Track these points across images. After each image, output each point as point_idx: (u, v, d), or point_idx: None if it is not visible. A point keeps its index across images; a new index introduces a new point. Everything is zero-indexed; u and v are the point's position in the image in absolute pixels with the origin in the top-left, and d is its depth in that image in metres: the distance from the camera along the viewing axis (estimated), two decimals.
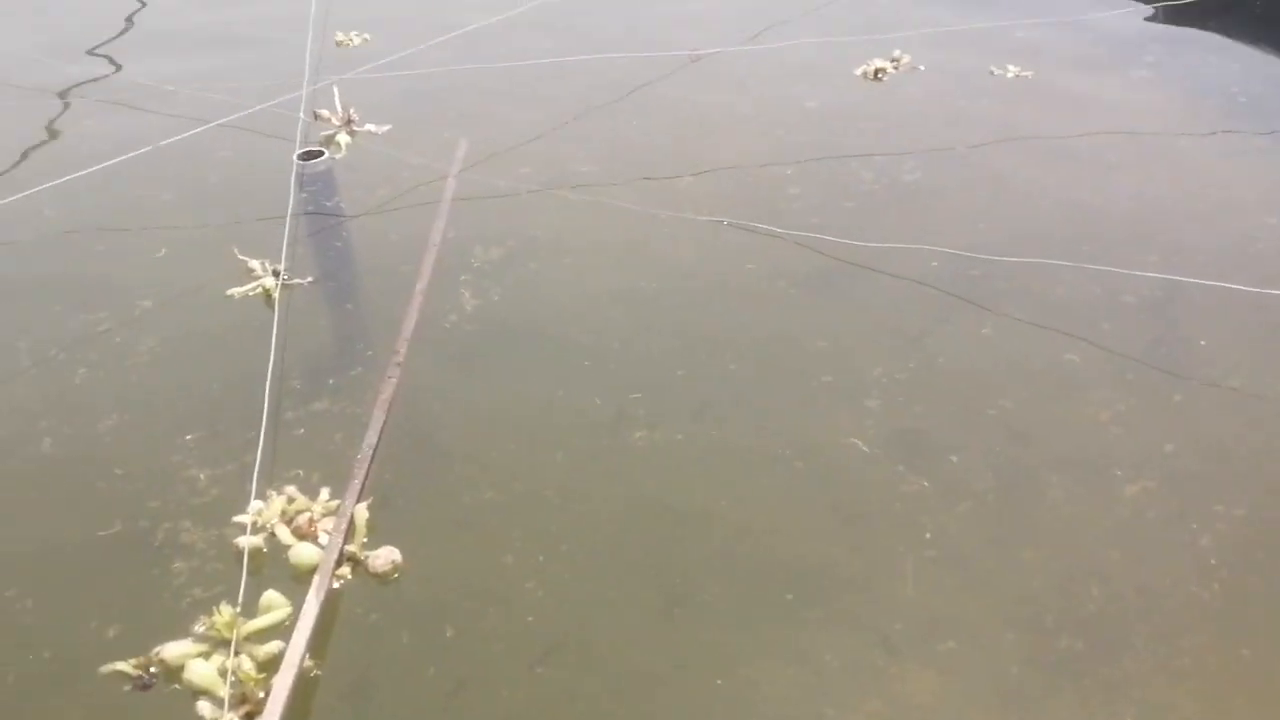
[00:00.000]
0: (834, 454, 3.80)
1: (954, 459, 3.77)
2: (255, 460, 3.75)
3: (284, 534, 3.58)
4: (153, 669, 3.12)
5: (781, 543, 3.47)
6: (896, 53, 7.04)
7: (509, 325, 4.50)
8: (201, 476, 3.73)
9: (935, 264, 4.77)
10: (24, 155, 6.03)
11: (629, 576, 3.37)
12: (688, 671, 3.08)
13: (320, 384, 4.16)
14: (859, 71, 6.88)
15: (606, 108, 6.42)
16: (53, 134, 6.33)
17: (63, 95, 6.82)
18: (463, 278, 4.77)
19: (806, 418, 3.97)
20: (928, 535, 3.47)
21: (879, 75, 6.87)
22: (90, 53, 7.53)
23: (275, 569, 3.44)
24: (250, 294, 4.69)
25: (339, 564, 3.45)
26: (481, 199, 5.42)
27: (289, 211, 5.19)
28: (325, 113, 6.18)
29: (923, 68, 6.94)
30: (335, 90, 6.30)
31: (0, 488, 3.75)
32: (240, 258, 4.83)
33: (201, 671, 3.12)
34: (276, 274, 4.74)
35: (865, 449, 3.81)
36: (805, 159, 5.75)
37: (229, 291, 4.68)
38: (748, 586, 3.32)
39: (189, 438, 3.88)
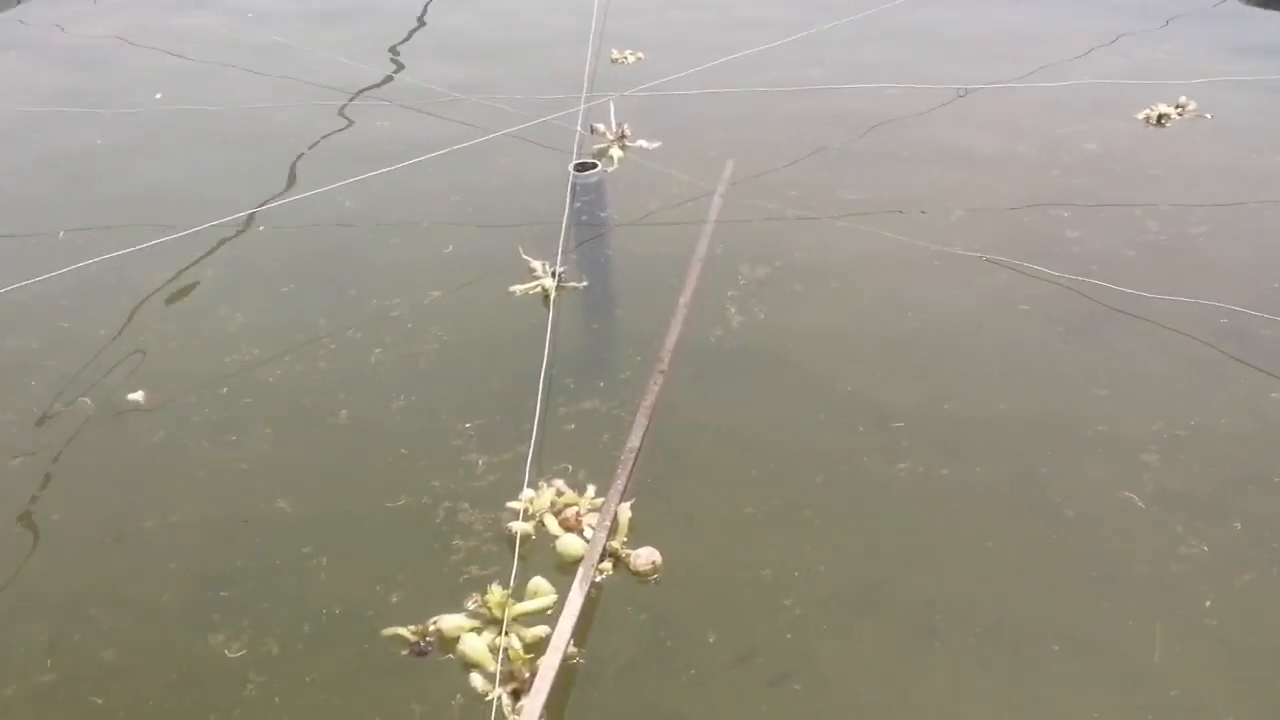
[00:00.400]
0: (1105, 506, 3.66)
1: (1237, 525, 3.57)
2: (529, 451, 3.94)
3: (552, 524, 3.75)
4: (429, 638, 3.33)
5: (1041, 592, 3.37)
6: (1182, 99, 6.71)
7: (772, 343, 4.55)
8: (479, 462, 3.95)
9: (1224, 321, 4.52)
10: (328, 151, 6.55)
11: (878, 607, 3.35)
12: (914, 710, 3.04)
13: (590, 384, 4.33)
14: (1141, 115, 6.60)
15: (875, 136, 6.40)
16: (353, 133, 6.84)
17: (360, 97, 7.36)
18: (729, 293, 4.87)
19: (1078, 465, 3.84)
20: (1207, 604, 3.29)
21: (1162, 121, 6.56)
22: (388, 58, 8.09)
23: (542, 556, 3.61)
24: (530, 292, 4.94)
25: (602, 559, 3.58)
26: (748, 219, 5.51)
27: (564, 219, 5.43)
28: (600, 127, 6.43)
29: (1209, 116, 6.58)
30: (611, 106, 6.54)
31: (302, 451, 4.09)
32: (524, 257, 5.10)
33: (475, 646, 3.30)
34: (555, 276, 4.98)
35: (1140, 504, 3.66)
36: (1085, 202, 5.56)
37: (511, 288, 4.95)
38: (992, 631, 3.25)
39: (468, 425, 4.11)
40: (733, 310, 4.75)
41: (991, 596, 3.36)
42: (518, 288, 4.97)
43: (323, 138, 6.72)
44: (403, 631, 3.33)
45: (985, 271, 4.97)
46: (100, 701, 3.15)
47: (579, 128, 6.44)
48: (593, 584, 3.48)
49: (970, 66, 7.42)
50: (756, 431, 4.09)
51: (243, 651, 3.26)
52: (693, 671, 3.16)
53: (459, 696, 3.13)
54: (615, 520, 3.71)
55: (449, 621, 3.37)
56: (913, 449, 3.93)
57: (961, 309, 4.73)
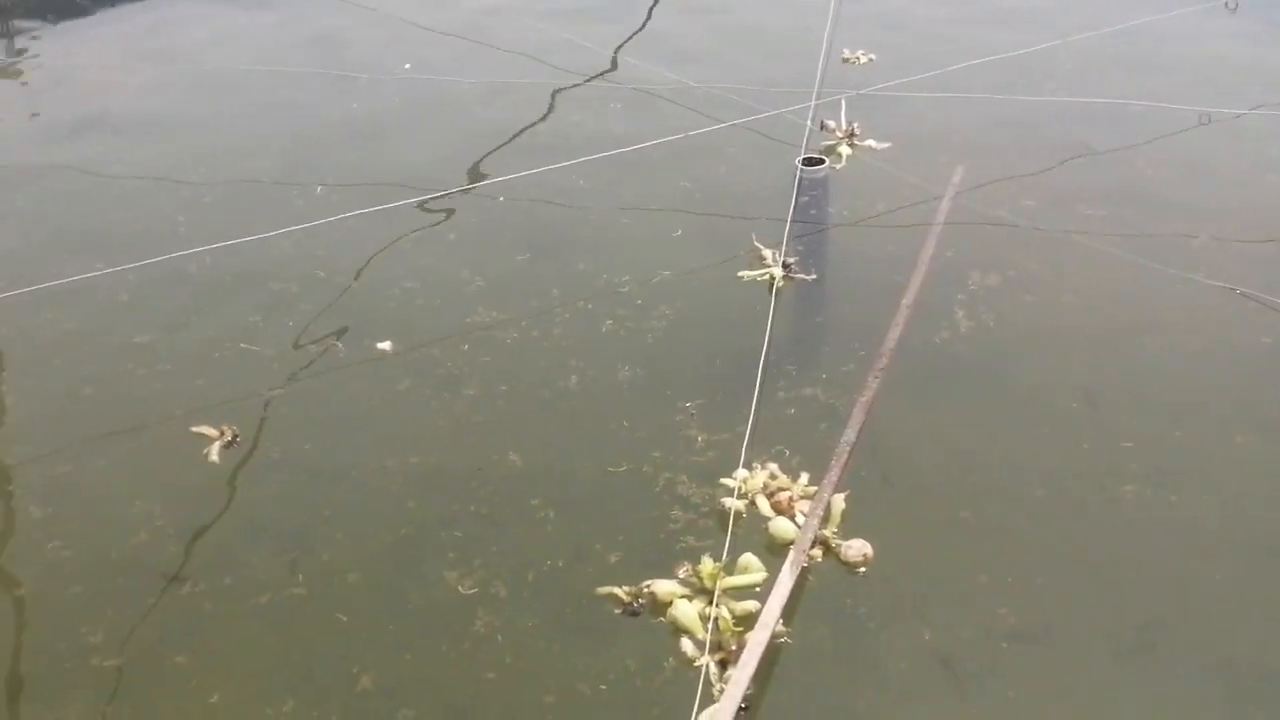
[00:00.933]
0: None
1: None
2: (745, 432, 4.04)
3: (764, 505, 3.83)
4: (641, 600, 3.47)
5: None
6: None
7: (1000, 351, 4.52)
8: (699, 438, 4.08)
9: None
10: (563, 130, 6.79)
11: (1093, 626, 3.32)
12: None
13: (810, 373, 4.41)
14: None
15: (1116, 153, 6.19)
16: (588, 114, 7.07)
17: (595, 80, 7.58)
18: (959, 297, 4.84)
19: None
20: None
21: None
22: (620, 49, 8.30)
23: (753, 535, 3.70)
24: (757, 279, 5.03)
25: (812, 545, 3.64)
26: (978, 225, 5.43)
27: (790, 212, 5.49)
28: (831, 124, 6.44)
29: None
30: (842, 103, 6.55)
31: (534, 410, 4.31)
32: (756, 245, 5.21)
33: (686, 612, 3.42)
34: (785, 265, 5.06)
35: None
36: None
37: (740, 273, 5.07)
38: (1220, 662, 3.17)
39: (688, 405, 4.24)
40: (961, 314, 4.71)
41: (1212, 628, 3.27)
42: (746, 273, 5.08)
43: (558, 116, 6.98)
44: (617, 591, 3.49)
45: (1229, 301, 4.75)
46: (344, 619, 3.43)
47: (808, 123, 6.47)
48: (803, 568, 3.56)
49: (1217, 92, 7.05)
50: (976, 437, 4.08)
51: (474, 590, 3.49)
52: (900, 665, 3.20)
53: (670, 660, 3.26)
54: (828, 509, 3.77)
55: (662, 586, 3.50)
56: (1140, 472, 3.84)
57: (1201, 338, 4.55)
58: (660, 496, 3.82)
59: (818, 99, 6.78)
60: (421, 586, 3.52)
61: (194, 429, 4.16)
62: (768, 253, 5.15)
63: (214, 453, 4.07)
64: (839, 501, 3.79)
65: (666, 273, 5.11)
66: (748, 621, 3.39)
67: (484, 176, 6.14)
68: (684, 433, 4.10)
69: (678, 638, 3.36)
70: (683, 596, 3.48)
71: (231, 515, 3.84)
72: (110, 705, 3.16)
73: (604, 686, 3.16)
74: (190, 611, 3.46)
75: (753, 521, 3.76)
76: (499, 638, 3.34)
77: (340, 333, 4.78)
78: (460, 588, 3.50)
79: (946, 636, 3.29)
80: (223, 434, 4.13)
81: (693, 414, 4.19)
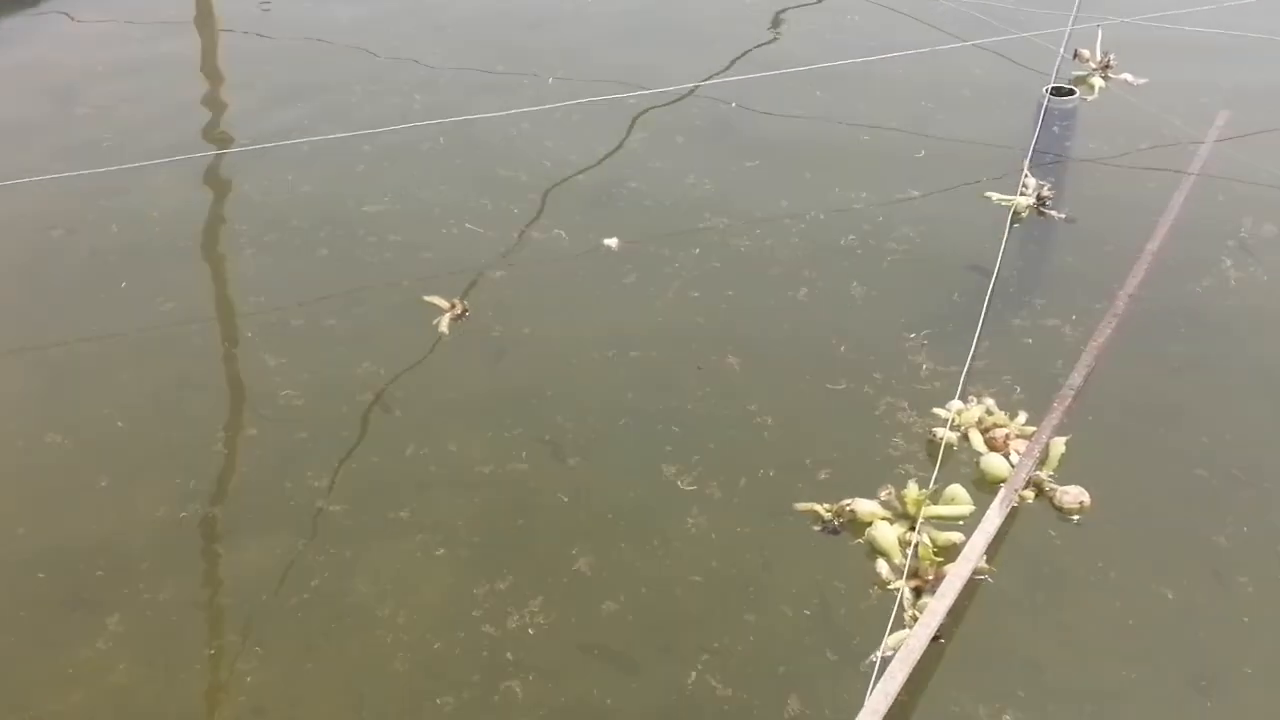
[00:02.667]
0: None
1: None
2: (966, 364, 3.93)
3: (976, 440, 3.74)
4: (841, 519, 3.46)
5: None
6: None
7: (1254, 311, 4.24)
8: (923, 366, 4.01)
9: None
10: (797, 36, 6.65)
11: None
12: None
13: (1045, 311, 4.27)
14: None
15: None
16: (824, 18, 6.89)
17: None
18: (1228, 243, 4.57)
19: None
20: None
21: None
22: None
23: (961, 469, 3.63)
24: (1001, 204, 4.86)
25: (1025, 485, 3.53)
26: (1240, 176, 5.04)
27: (1033, 142, 5.23)
28: (1084, 53, 6.07)
29: None
30: (1099, 32, 6.15)
31: (759, 317, 4.30)
32: (1022, 170, 5.05)
33: (886, 535, 3.39)
34: (1038, 197, 4.88)
35: None
36: None
37: (988, 194, 4.92)
38: None
39: (914, 336, 4.15)
40: (1229, 264, 4.45)
41: None
42: (994, 194, 4.92)
43: (793, 25, 6.83)
44: (818, 508, 3.48)
45: None
46: (565, 499, 3.53)
47: (1060, 50, 6.11)
48: (1012, 507, 3.46)
49: None
50: (1219, 394, 3.87)
51: (692, 487, 3.54)
52: (1098, 623, 3.09)
53: (874, 589, 3.24)
54: (1046, 451, 3.64)
55: (863, 506, 3.47)
56: None
57: None
58: (876, 419, 3.78)
59: (1073, 24, 6.39)
60: (640, 477, 3.59)
61: (426, 298, 4.33)
62: (1030, 181, 4.96)
63: (444, 324, 4.24)
64: (1058, 444, 3.66)
65: (905, 193, 4.99)
66: (949, 553, 3.34)
67: (714, 81, 6.07)
68: (910, 358, 4.03)
69: (874, 560, 3.34)
70: (883, 519, 3.45)
71: (454, 386, 4.00)
72: (334, 548, 3.37)
73: (808, 612, 3.16)
74: (414, 471, 3.63)
75: (963, 455, 3.68)
76: (712, 537, 3.38)
77: (565, 224, 4.86)
78: (680, 483, 3.55)
79: (1152, 603, 3.15)
80: (453, 306, 4.29)
81: (924, 342, 4.11)
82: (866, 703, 2.81)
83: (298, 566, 3.29)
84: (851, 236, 4.72)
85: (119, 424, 3.81)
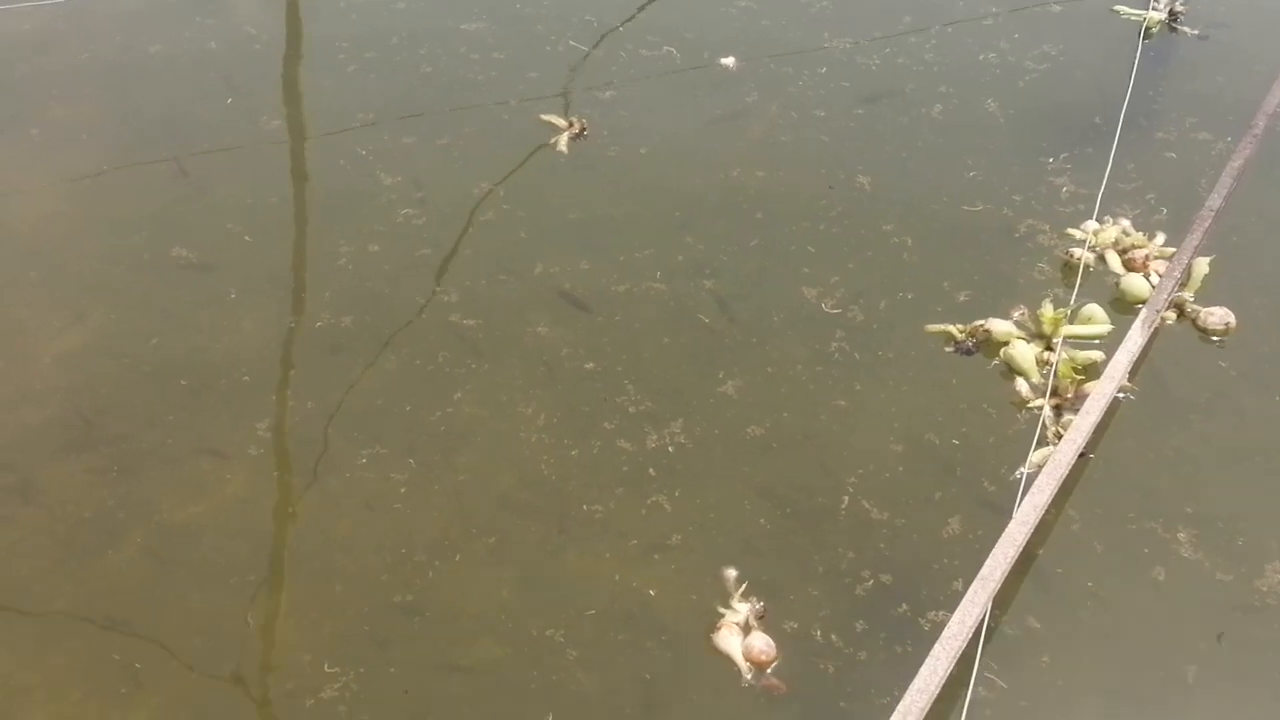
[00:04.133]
0: None
1: None
2: (1103, 184, 3.83)
3: (1114, 261, 3.67)
4: (975, 339, 3.42)
5: None
6: None
7: None
8: (1063, 188, 3.91)
9: None
10: None
11: None
12: None
13: (1183, 130, 4.12)
14: None
15: None
16: None
17: None
18: None
19: None
20: None
21: None
22: None
23: (1098, 290, 3.58)
24: (1131, 19, 4.66)
25: (1167, 306, 3.46)
26: None
27: None
28: None
29: None
30: None
31: (889, 136, 4.20)
32: None
33: (1023, 353, 3.36)
34: (1171, 14, 4.67)
35: None
36: None
37: (1116, 7, 4.72)
38: None
39: (1052, 160, 4.03)
40: None
41: None
42: (1122, 8, 4.71)
43: None
44: (951, 329, 3.45)
45: None
46: (705, 320, 3.51)
47: None
48: (1154, 328, 3.40)
49: None
50: None
51: (836, 311, 3.51)
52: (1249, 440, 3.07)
53: (1015, 409, 3.22)
54: (1188, 271, 3.56)
55: (999, 326, 3.44)
56: None
57: None
58: (1016, 242, 3.72)
59: None
60: (781, 300, 3.55)
61: (544, 117, 4.25)
62: None
63: (562, 142, 4.16)
64: (1201, 265, 3.58)
65: (1047, 6, 4.79)
66: (1089, 371, 3.32)
67: None
68: (1049, 180, 3.94)
69: (1011, 380, 3.31)
70: (1019, 339, 3.41)
71: (578, 206, 3.93)
72: (472, 361, 3.40)
73: (955, 439, 3.14)
74: (544, 291, 3.61)
75: (1100, 277, 3.62)
76: (857, 356, 3.37)
77: (676, 43, 4.69)
78: (824, 305, 3.52)
79: None
80: (571, 125, 4.21)
81: (1065, 166, 3.99)
82: (1015, 514, 2.84)
83: (437, 378, 3.33)
84: (991, 54, 4.54)
85: (246, 239, 3.81)
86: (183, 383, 3.32)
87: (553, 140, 4.16)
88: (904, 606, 2.77)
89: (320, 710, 2.58)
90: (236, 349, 3.42)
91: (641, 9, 4.90)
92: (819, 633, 2.73)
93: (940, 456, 3.11)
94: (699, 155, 4.12)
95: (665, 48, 4.64)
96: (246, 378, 3.33)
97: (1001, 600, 2.75)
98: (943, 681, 2.51)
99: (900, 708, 2.45)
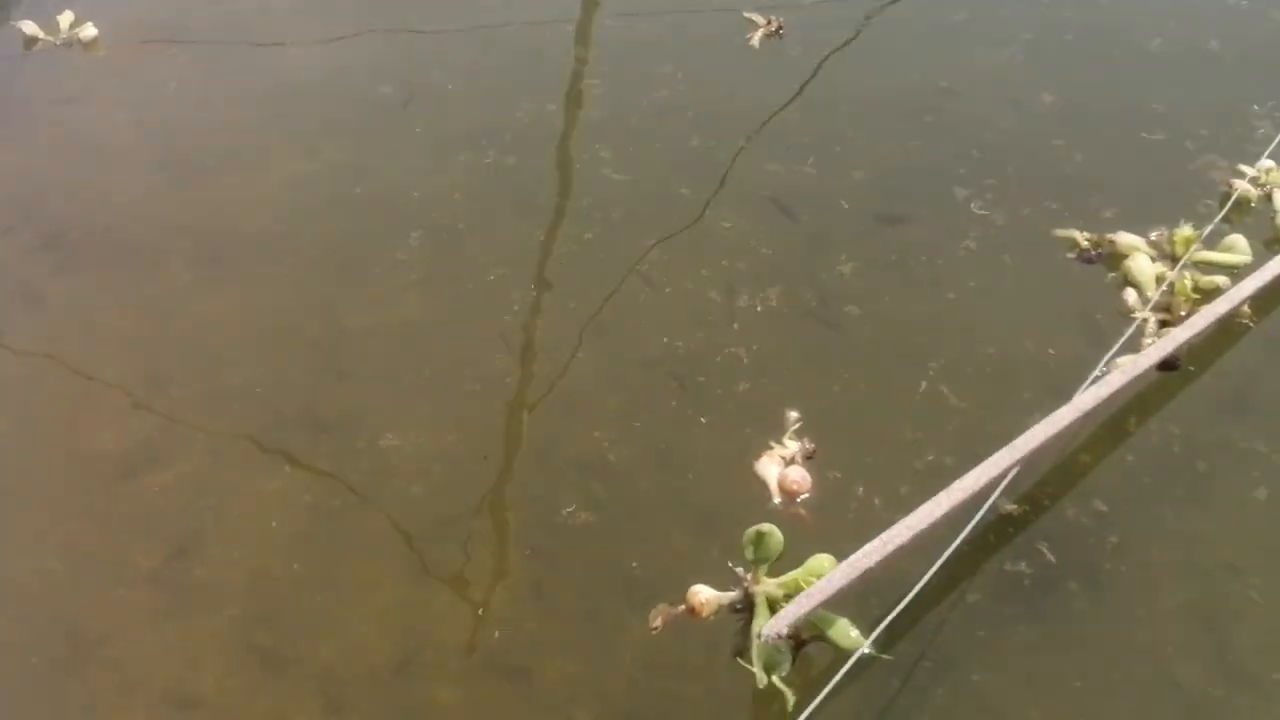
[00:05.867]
0: None
1: None
2: None
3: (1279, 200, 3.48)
4: (1100, 249, 3.38)
5: None
6: None
7: None
8: (1259, 130, 3.77)
9: None
10: None
11: None
12: None
13: None
14: None
15: None
16: None
17: None
18: None
19: None
20: None
21: None
22: None
23: (1256, 226, 3.43)
24: None
25: None
26: None
27: None
28: None
29: None
30: None
31: (1069, 55, 4.18)
32: None
33: (1143, 267, 3.28)
34: None
35: None
36: None
37: None
38: None
39: (1258, 107, 3.86)
40: None
41: None
42: None
43: None
44: (1076, 235, 3.42)
45: None
46: (845, 206, 3.62)
47: None
48: None
49: None
50: None
51: (983, 212, 3.55)
52: None
53: (1138, 321, 3.15)
54: None
55: (1125, 238, 3.37)
56: None
57: None
58: (1189, 174, 3.62)
59: None
60: (935, 201, 3.61)
61: (746, 15, 4.41)
62: None
63: (755, 39, 4.33)
64: None
65: None
66: (1209, 295, 3.18)
67: None
68: (1250, 122, 3.79)
69: (1123, 290, 3.25)
70: (1144, 254, 3.32)
71: (775, 93, 4.08)
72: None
73: (1052, 349, 3.12)
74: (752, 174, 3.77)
75: (1262, 215, 3.46)
76: (975, 259, 3.41)
77: None
78: (972, 205, 3.57)
79: None
80: (769, 23, 4.36)
81: (1275, 112, 3.81)
82: (1075, 400, 2.78)
83: None
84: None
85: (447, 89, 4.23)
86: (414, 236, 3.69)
87: (747, 36, 4.32)
88: None
89: None
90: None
91: None
92: (861, 490, 2.79)
93: (1033, 358, 3.09)
94: (873, 73, 4.18)
95: None
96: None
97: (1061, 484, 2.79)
98: (929, 522, 2.49)
99: (884, 535, 2.47)
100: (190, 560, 2.74)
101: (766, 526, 2.53)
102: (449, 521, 2.80)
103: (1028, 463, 2.68)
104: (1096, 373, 2.93)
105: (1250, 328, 3.13)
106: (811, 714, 2.27)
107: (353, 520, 2.81)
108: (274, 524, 2.80)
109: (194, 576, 2.71)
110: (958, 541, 2.53)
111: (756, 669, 2.38)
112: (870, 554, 2.44)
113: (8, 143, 4.09)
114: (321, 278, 3.46)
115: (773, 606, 2.48)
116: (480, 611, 2.62)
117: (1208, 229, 3.33)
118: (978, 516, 2.58)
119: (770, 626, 2.34)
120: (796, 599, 2.39)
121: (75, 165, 3.98)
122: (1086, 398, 2.81)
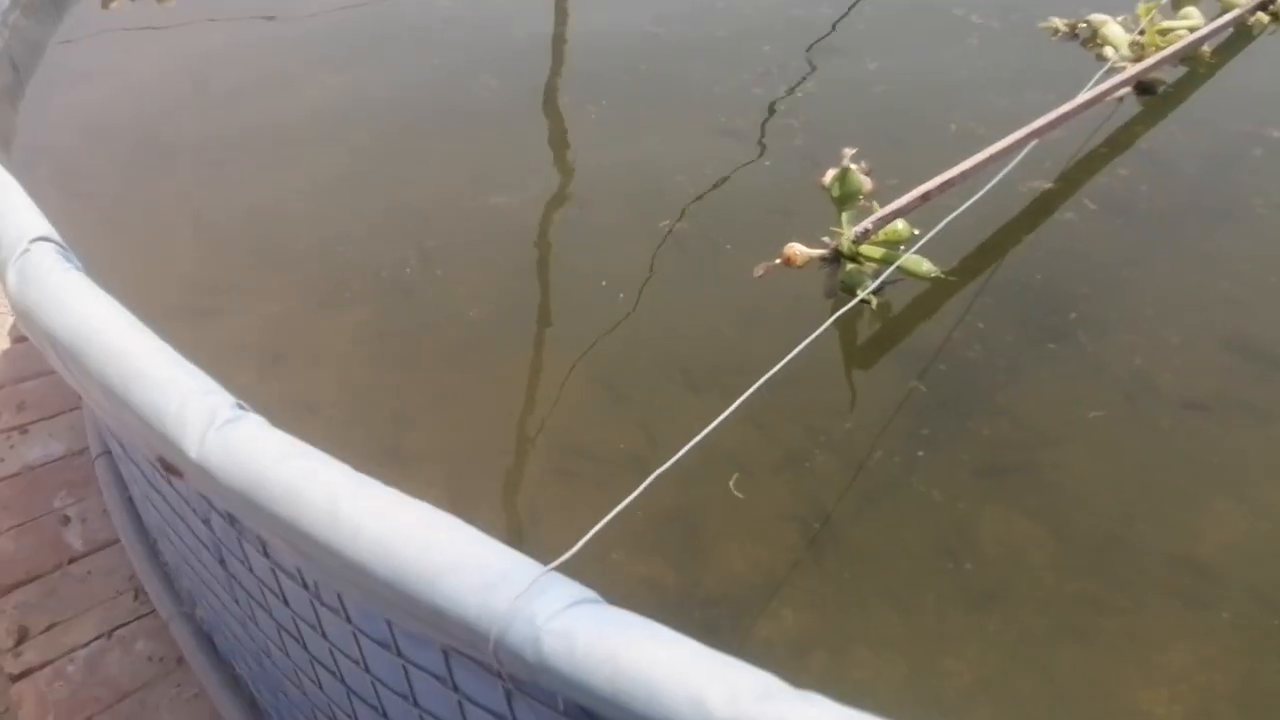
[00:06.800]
0: None
1: None
2: None
3: None
4: (1081, 25, 3.92)
5: None
6: None
7: None
8: None
9: None
10: None
11: None
12: None
13: None
14: None
15: None
16: None
17: None
18: None
19: None
20: None
21: None
22: None
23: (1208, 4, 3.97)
24: None
25: (1263, 7, 3.89)
26: None
27: None
28: None
29: None
30: None
31: None
32: None
33: (1116, 31, 3.80)
34: None
35: None
36: None
37: None
38: None
39: None
40: None
41: None
42: None
43: None
44: (1058, 22, 3.95)
45: None
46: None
47: None
48: (1246, 25, 3.82)
49: None
50: None
51: (979, 21, 4.06)
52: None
53: (1116, 63, 3.63)
54: None
55: (1098, 17, 3.88)
56: None
57: None
58: None
59: None
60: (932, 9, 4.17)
61: None
62: None
63: None
64: None
65: None
66: (1173, 42, 3.70)
67: None
68: None
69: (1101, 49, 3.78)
70: (1117, 23, 3.85)
71: None
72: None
73: (1052, 96, 3.31)
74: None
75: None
76: (978, 49, 3.90)
77: None
78: (971, 18, 4.10)
79: None
80: None
81: None
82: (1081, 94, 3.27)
83: None
84: None
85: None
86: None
87: None
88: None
89: None
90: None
91: None
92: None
93: (1038, 102, 3.28)
94: None
95: None
96: None
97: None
98: (984, 157, 2.87)
99: (901, 200, 2.77)
100: None
101: (849, 165, 2.86)
102: None
103: (1056, 151, 3.16)
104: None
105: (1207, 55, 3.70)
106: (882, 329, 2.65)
107: None
108: None
109: None
110: (1007, 169, 2.93)
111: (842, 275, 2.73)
112: (935, 180, 2.85)
113: None
114: None
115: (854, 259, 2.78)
116: None
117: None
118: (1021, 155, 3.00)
119: (860, 226, 2.71)
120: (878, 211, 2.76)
121: None
122: (1089, 92, 3.30)
